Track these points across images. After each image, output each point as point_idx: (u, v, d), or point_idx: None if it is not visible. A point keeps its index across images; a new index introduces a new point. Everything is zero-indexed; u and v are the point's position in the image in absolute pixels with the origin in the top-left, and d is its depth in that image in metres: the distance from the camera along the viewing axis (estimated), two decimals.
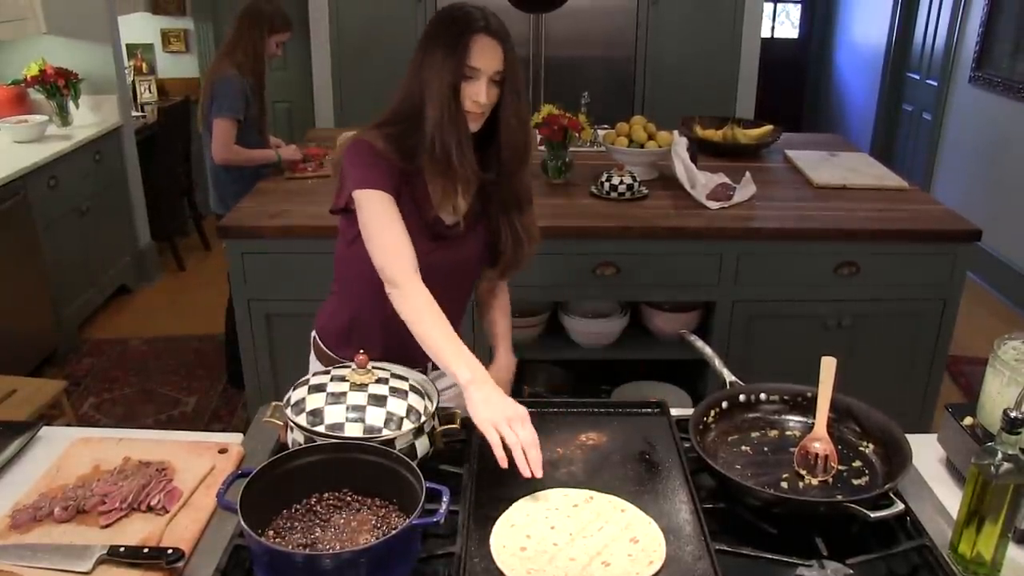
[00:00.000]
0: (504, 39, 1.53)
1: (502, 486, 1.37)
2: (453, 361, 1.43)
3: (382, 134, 1.57)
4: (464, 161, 1.53)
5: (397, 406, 1.38)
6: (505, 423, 1.34)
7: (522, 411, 1.38)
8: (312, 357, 1.83)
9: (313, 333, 1.81)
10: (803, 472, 1.41)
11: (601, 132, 3.31)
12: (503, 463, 1.32)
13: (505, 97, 1.55)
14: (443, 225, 1.64)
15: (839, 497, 1.32)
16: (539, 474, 1.32)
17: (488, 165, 1.61)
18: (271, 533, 1.20)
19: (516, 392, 2.88)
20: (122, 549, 1.22)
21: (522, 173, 1.66)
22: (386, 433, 1.33)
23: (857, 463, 1.44)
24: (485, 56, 1.50)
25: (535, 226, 1.72)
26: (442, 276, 1.59)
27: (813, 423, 1.46)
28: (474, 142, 1.58)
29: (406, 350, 1.56)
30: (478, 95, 1.51)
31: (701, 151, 3.24)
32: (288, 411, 1.37)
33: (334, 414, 1.35)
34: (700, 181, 2.87)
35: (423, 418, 1.38)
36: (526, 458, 1.32)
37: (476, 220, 1.68)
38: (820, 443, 1.42)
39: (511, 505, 1.31)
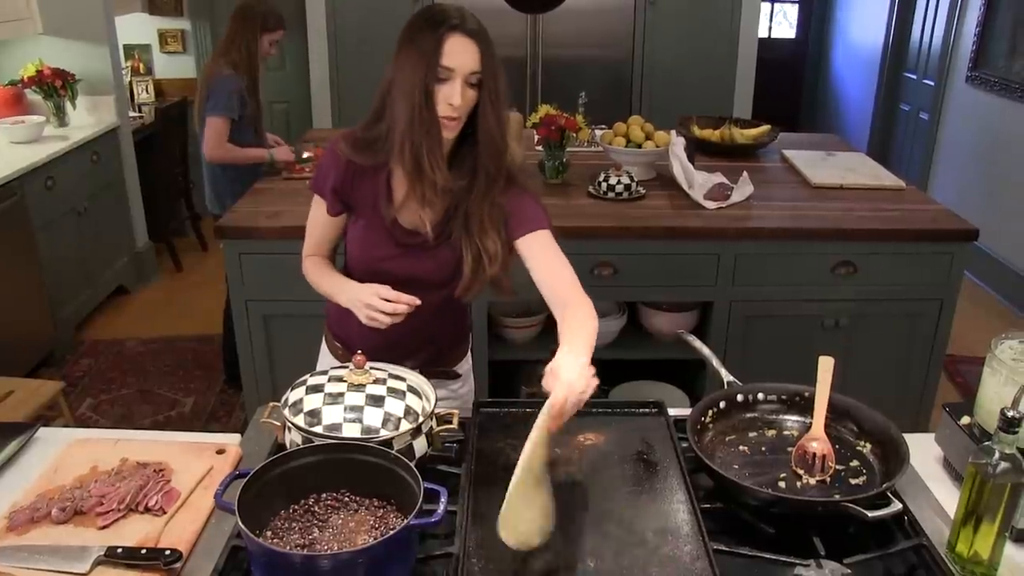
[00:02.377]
0: (481, 39, 1.47)
1: (500, 486, 1.37)
2: (333, 291, 1.65)
3: (353, 133, 1.60)
4: (436, 165, 1.50)
5: (395, 406, 1.38)
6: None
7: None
8: (323, 346, 1.87)
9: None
10: (801, 472, 1.41)
11: (598, 132, 3.31)
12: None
13: (483, 100, 1.50)
14: (402, 231, 1.62)
15: (837, 497, 1.33)
16: None
17: (461, 176, 1.57)
18: (269, 534, 1.20)
19: (515, 392, 2.90)
20: (120, 550, 1.22)
21: (496, 181, 1.57)
22: (384, 434, 1.33)
23: (855, 462, 1.44)
24: (459, 55, 1.45)
25: (499, 249, 1.59)
26: (405, 286, 1.56)
27: (811, 423, 1.46)
28: (449, 152, 1.56)
29: (387, 340, 1.59)
30: (452, 96, 1.46)
31: (698, 151, 3.24)
32: (286, 412, 1.37)
33: (332, 415, 1.35)
34: (697, 181, 2.87)
35: (421, 418, 1.38)
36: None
37: (445, 234, 1.62)
38: (818, 443, 1.42)
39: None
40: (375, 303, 1.53)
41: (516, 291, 1.64)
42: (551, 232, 1.60)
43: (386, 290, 1.55)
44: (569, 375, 1.27)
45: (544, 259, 1.57)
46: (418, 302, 1.54)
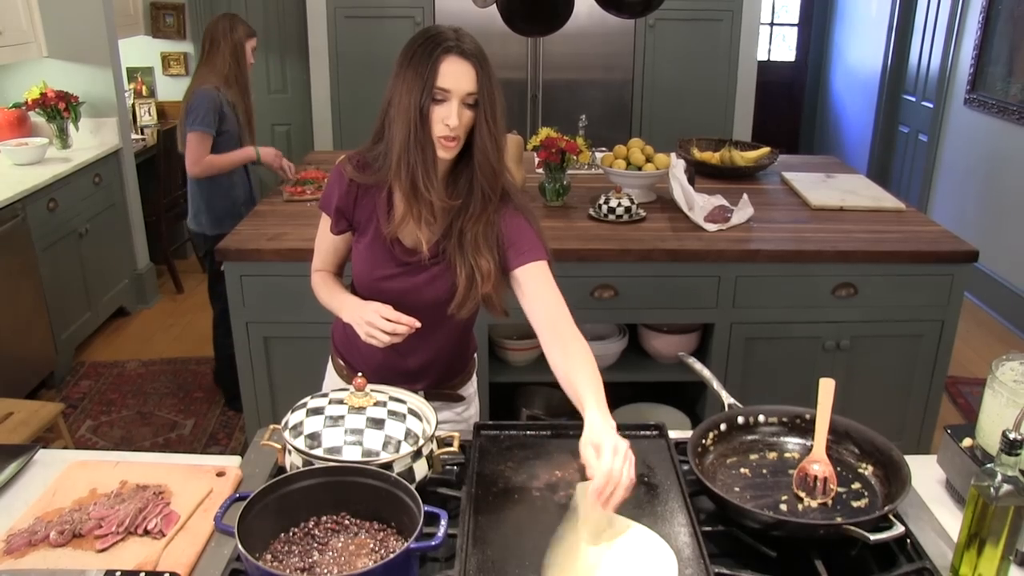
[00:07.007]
0: (477, 61, 1.49)
1: (501, 510, 1.37)
2: (337, 306, 1.68)
3: (358, 153, 1.64)
4: (430, 185, 1.52)
5: (395, 429, 1.37)
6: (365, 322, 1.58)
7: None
8: (329, 366, 1.87)
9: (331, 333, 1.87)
10: (802, 494, 1.41)
11: (599, 155, 3.33)
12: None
13: (479, 121, 1.51)
14: (402, 248, 1.64)
15: (838, 519, 1.32)
16: None
17: (457, 195, 1.58)
18: (269, 557, 1.20)
19: (515, 415, 2.90)
20: (118, 574, 1.21)
21: (490, 201, 1.58)
22: (384, 456, 1.33)
23: (856, 485, 1.44)
24: (455, 77, 1.46)
25: (492, 268, 1.58)
26: (406, 306, 1.59)
27: (812, 445, 1.46)
28: (446, 171, 1.58)
29: (390, 360, 1.60)
30: (448, 117, 1.47)
31: (698, 173, 3.25)
32: (286, 434, 1.37)
33: (332, 437, 1.35)
34: (698, 203, 2.88)
35: (421, 441, 1.37)
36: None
37: (441, 253, 1.63)
38: (819, 465, 1.42)
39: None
40: (375, 321, 1.55)
41: (507, 312, 1.64)
42: (548, 263, 1.60)
43: (388, 310, 1.56)
44: (619, 443, 1.30)
45: (540, 293, 1.56)
46: (418, 324, 1.55)
